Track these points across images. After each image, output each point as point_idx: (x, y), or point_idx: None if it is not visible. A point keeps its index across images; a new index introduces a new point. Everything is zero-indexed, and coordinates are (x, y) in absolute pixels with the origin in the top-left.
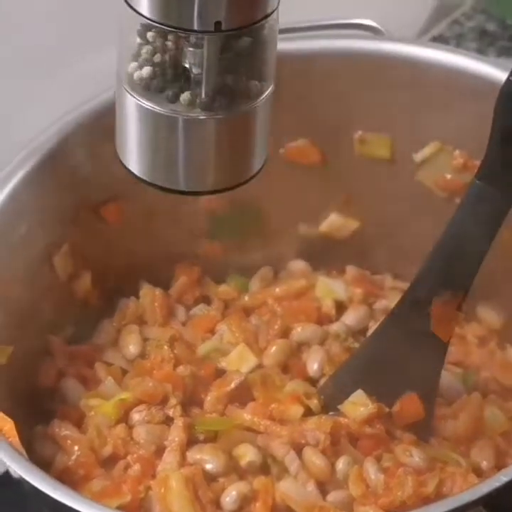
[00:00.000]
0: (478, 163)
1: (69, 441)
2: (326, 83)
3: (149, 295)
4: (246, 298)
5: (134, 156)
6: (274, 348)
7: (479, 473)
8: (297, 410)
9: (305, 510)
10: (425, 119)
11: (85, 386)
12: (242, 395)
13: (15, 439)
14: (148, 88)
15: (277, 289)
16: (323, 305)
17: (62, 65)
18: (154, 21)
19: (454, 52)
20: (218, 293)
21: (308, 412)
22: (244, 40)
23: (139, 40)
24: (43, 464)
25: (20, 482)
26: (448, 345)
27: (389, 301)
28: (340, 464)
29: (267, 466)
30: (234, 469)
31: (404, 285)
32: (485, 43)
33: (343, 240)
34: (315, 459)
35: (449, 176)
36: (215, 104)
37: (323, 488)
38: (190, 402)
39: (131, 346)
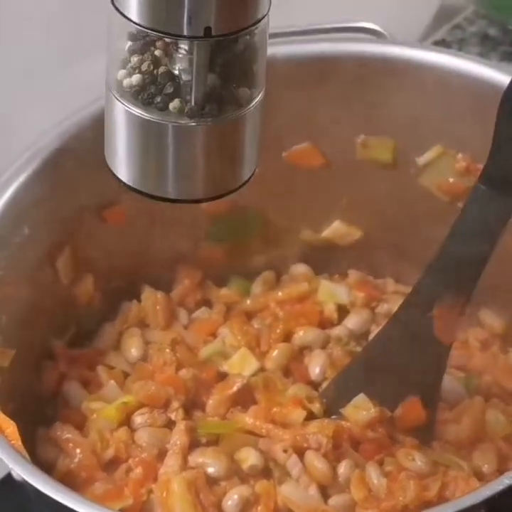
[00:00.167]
0: (480, 166)
1: (71, 445)
2: (328, 86)
3: (151, 298)
4: (248, 301)
5: (123, 164)
6: (276, 352)
7: (481, 477)
8: (299, 414)
9: None
10: (428, 123)
11: (87, 389)
12: (244, 399)
13: (17, 441)
14: (137, 95)
15: (279, 293)
16: (325, 309)
17: (64, 68)
18: (143, 27)
19: (456, 56)
20: (220, 296)
21: (311, 416)
22: (235, 47)
23: (127, 46)
24: (46, 467)
25: (23, 485)
26: (450, 349)
27: (391, 305)
28: (342, 467)
29: (268, 469)
30: (236, 473)
31: (407, 289)
32: (487, 48)
33: (346, 244)
34: (317, 463)
35: (451, 180)
36: (204, 111)
37: (325, 492)
38: (192, 405)
39: (133, 349)
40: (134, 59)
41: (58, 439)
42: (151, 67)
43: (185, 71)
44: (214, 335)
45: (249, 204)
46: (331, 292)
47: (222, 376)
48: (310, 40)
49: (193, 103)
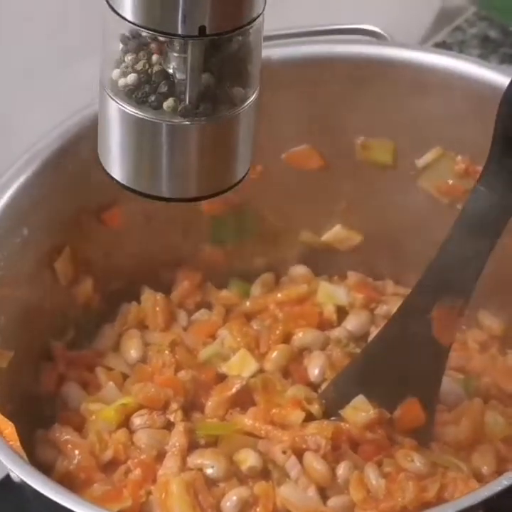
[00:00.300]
0: (480, 168)
1: (70, 446)
2: (328, 88)
3: (151, 300)
4: (247, 303)
5: (116, 163)
6: (275, 353)
7: (480, 479)
8: (298, 415)
9: None
10: (427, 125)
11: (86, 391)
12: (243, 400)
13: (16, 442)
14: (131, 94)
15: (279, 295)
16: (324, 310)
17: (64, 68)
18: (138, 25)
19: (456, 58)
20: (220, 298)
21: (310, 417)
22: (229, 46)
23: (122, 45)
24: (44, 468)
25: (21, 486)
26: (449, 350)
27: (390, 306)
28: (341, 469)
29: (267, 471)
30: (235, 474)
31: (406, 291)
32: (487, 50)
33: (345, 249)
34: (316, 464)
35: (451, 182)
36: (198, 110)
37: (323, 493)
38: (191, 406)
39: (133, 351)
40: (129, 58)
41: (57, 441)
42: (146, 66)
43: (180, 70)
44: (213, 336)
45: (248, 206)
46: (330, 294)
47: (222, 378)
48: (310, 42)
49: (187, 102)
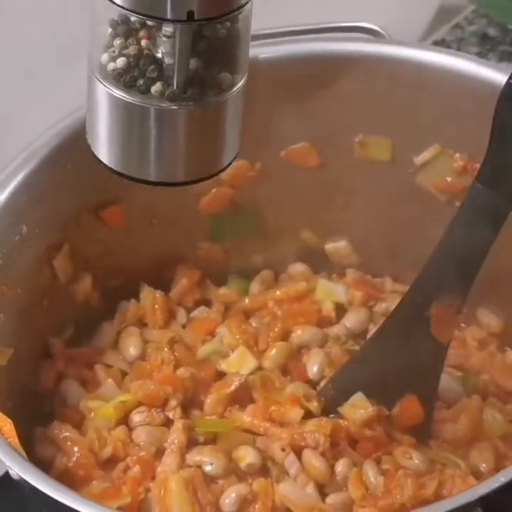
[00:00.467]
0: (478, 166)
1: (69, 443)
2: (326, 86)
3: (150, 297)
4: (246, 300)
5: (104, 146)
6: (274, 351)
7: (478, 476)
8: (297, 413)
9: None
10: (426, 122)
11: (85, 388)
12: (241, 397)
13: (14, 439)
14: (119, 78)
15: (278, 292)
16: (323, 308)
17: (64, 68)
18: (127, 9)
19: (454, 56)
20: (219, 295)
21: (308, 415)
22: (217, 31)
23: (111, 30)
24: (43, 465)
25: (20, 483)
26: (448, 348)
27: (389, 304)
28: (340, 466)
29: (266, 468)
30: (233, 471)
31: (405, 288)
32: (486, 48)
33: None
34: (314, 462)
35: (449, 179)
36: (186, 95)
37: (322, 490)
38: (190, 404)
39: (132, 348)
40: (117, 42)
41: (56, 438)
42: (134, 51)
43: (168, 55)
44: (212, 334)
45: (247, 204)
46: (329, 291)
47: (221, 375)
48: (309, 40)
49: (175, 86)
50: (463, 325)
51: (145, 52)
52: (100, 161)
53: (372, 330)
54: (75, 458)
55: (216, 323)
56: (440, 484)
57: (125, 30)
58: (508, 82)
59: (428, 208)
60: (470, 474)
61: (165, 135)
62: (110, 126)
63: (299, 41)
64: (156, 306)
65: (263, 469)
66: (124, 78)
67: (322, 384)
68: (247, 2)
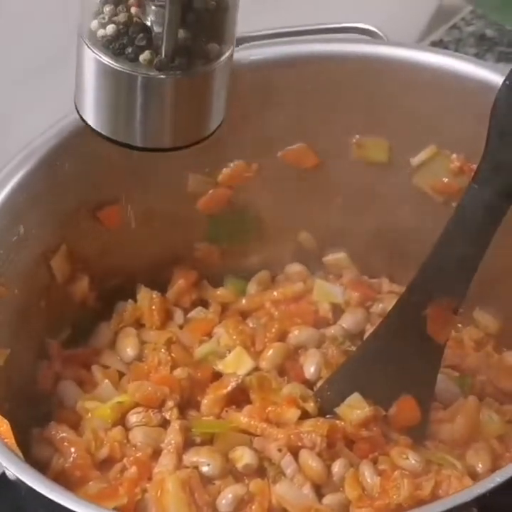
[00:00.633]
0: (475, 166)
1: (66, 444)
2: (323, 87)
3: (147, 298)
4: (243, 301)
5: (92, 111)
6: (271, 351)
7: (475, 477)
8: (294, 413)
9: None
10: (422, 123)
11: (82, 389)
12: (238, 398)
13: (11, 440)
14: (108, 45)
15: (274, 293)
16: (320, 308)
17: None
18: None
19: (451, 56)
20: (216, 296)
21: (305, 415)
22: (207, 3)
23: None
24: (40, 466)
25: (17, 484)
26: (444, 348)
27: (386, 304)
28: (337, 466)
29: (263, 468)
30: (230, 472)
31: (401, 289)
32: (484, 48)
33: (340, 245)
34: (311, 462)
35: (446, 180)
36: (174, 64)
37: (319, 490)
38: (187, 404)
39: (129, 349)
40: (107, 9)
41: (53, 439)
42: (124, 18)
43: (157, 23)
44: (209, 334)
45: (244, 204)
46: (326, 292)
47: (217, 376)
48: (306, 41)
49: (163, 55)
50: (460, 325)
51: (134, 19)
52: (87, 125)
53: (369, 330)
54: (71, 458)
55: (213, 323)
56: (436, 485)
57: None
58: (504, 83)
59: (425, 209)
60: (466, 475)
61: (152, 102)
62: (98, 92)
63: (296, 42)
64: (153, 307)
65: (260, 470)
66: (113, 45)
67: (319, 384)
68: None
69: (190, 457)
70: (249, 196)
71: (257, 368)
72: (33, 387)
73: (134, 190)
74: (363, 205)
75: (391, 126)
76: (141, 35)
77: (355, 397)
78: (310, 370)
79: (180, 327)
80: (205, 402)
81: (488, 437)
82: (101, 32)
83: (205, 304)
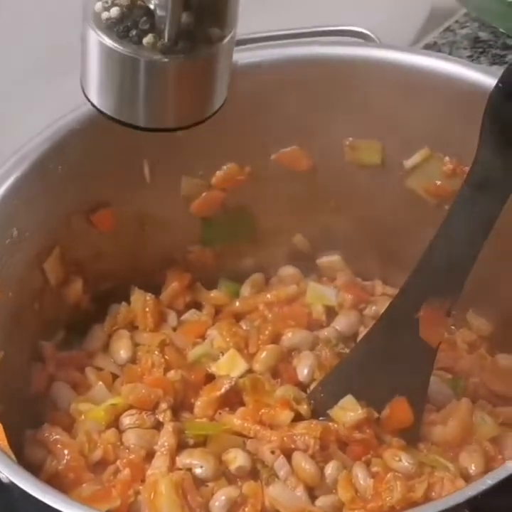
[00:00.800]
0: (467, 169)
1: (59, 446)
2: (316, 89)
3: (140, 300)
4: (237, 303)
5: (96, 92)
6: (264, 353)
7: (468, 478)
8: (287, 415)
9: None
10: (415, 126)
11: (76, 391)
12: (232, 400)
13: (4, 442)
14: (112, 28)
15: (268, 295)
16: (313, 311)
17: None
18: None
19: (444, 59)
20: (209, 298)
21: (298, 417)
22: None
23: None
24: (33, 468)
25: (10, 486)
26: (437, 350)
27: (379, 306)
28: (330, 468)
29: (256, 470)
30: (223, 474)
31: (395, 291)
32: (478, 51)
33: (334, 247)
34: (304, 464)
35: (438, 182)
36: (177, 48)
37: (312, 492)
38: (181, 406)
39: (122, 351)
40: None
41: (46, 441)
42: (127, 1)
43: (161, 7)
44: (203, 337)
45: (237, 207)
46: (320, 294)
47: (211, 378)
48: (299, 43)
49: (166, 39)
50: (453, 328)
51: (138, 2)
52: (93, 105)
53: (363, 333)
54: (65, 461)
55: (207, 326)
56: (429, 487)
57: None
58: (497, 86)
59: (418, 211)
60: (459, 477)
61: (155, 85)
62: (102, 74)
63: (290, 45)
64: (147, 309)
65: (253, 472)
66: (118, 28)
67: (312, 387)
68: None
69: (184, 459)
70: (243, 199)
71: (250, 370)
72: (26, 389)
73: (127, 193)
74: (357, 207)
75: (384, 128)
76: (144, 18)
77: (349, 400)
78: (303, 372)
79: (174, 329)
80: (199, 404)
81: (481, 439)
82: (105, 14)
83: (198, 306)
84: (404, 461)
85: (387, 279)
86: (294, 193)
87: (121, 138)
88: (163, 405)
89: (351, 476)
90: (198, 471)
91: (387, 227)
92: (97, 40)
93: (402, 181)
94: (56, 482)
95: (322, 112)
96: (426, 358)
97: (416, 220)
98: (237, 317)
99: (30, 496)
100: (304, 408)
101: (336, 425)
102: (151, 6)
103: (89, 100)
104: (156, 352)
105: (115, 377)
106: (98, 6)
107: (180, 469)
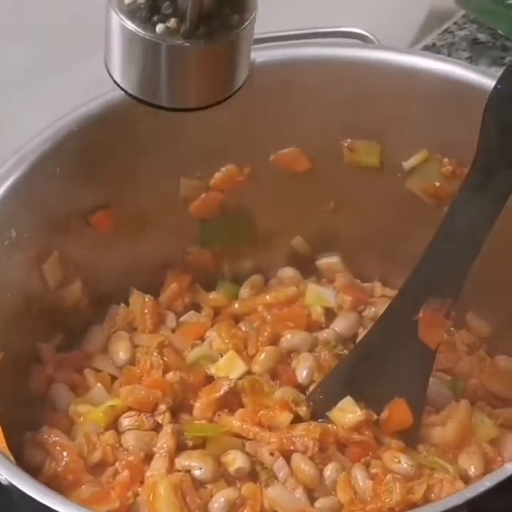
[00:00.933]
0: (466, 170)
1: (58, 448)
2: (315, 91)
3: (139, 302)
4: (236, 305)
5: (119, 71)
6: (263, 355)
7: (467, 480)
8: (286, 417)
9: None
10: (414, 127)
11: (75, 392)
12: (231, 402)
13: (2, 444)
14: (135, 12)
15: (267, 297)
16: (312, 312)
17: (62, 70)
18: None
19: (443, 61)
20: (208, 300)
21: (297, 419)
22: None
23: None
24: (32, 470)
25: (9, 488)
26: (436, 352)
27: (378, 308)
28: (329, 470)
29: (255, 472)
30: (222, 476)
31: (394, 293)
32: (476, 53)
33: (333, 249)
34: (303, 466)
35: (437, 184)
36: (198, 32)
37: (311, 494)
38: (180, 408)
39: (121, 353)
40: None
41: (45, 443)
42: None
43: None
44: (202, 338)
45: (236, 208)
46: (319, 296)
47: (210, 379)
48: (298, 45)
49: (187, 24)
50: (452, 329)
51: None
52: (118, 85)
53: (362, 334)
54: (64, 462)
55: (205, 327)
56: (428, 488)
57: None
58: (495, 87)
59: (417, 213)
60: (458, 479)
61: (177, 68)
62: (124, 56)
63: (289, 46)
64: (146, 311)
65: (252, 474)
66: (140, 13)
67: (311, 388)
68: None
69: (183, 461)
70: (242, 200)
71: (249, 372)
72: (25, 391)
73: (125, 194)
74: (356, 209)
75: (383, 130)
76: (167, 3)
77: (348, 401)
78: (302, 373)
79: (173, 331)
80: (198, 405)
81: (480, 441)
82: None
83: (197, 307)
84: (403, 463)
85: (387, 281)
86: (293, 195)
87: (120, 139)
88: (162, 407)
89: (350, 478)
90: (197, 472)
91: (386, 228)
92: (120, 24)
93: (401, 183)
94: (55, 484)
95: (321, 113)
96: (425, 360)
97: (415, 221)
98: (236, 318)
99: (29, 497)
100: (303, 410)
101: (335, 427)
102: None
103: (113, 79)
104: (154, 353)
105: (114, 378)
106: None
107: (179, 471)
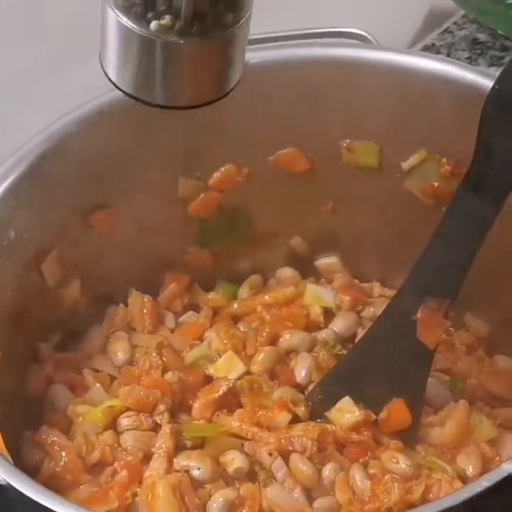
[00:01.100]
0: (465, 171)
1: (56, 448)
2: (314, 91)
3: (138, 302)
4: (235, 305)
5: (114, 68)
6: (262, 355)
7: (465, 480)
8: (285, 417)
9: None
10: (413, 128)
11: (73, 393)
12: (229, 402)
13: (0, 444)
14: (130, 8)
15: (266, 297)
16: (311, 312)
17: (62, 70)
18: None
19: (441, 61)
20: (207, 300)
21: (296, 419)
22: None
23: None
24: (31, 470)
25: (6, 488)
26: (434, 352)
27: (377, 308)
28: (327, 470)
29: (254, 472)
30: (221, 476)
31: (392, 293)
32: (476, 53)
33: (331, 249)
34: (302, 466)
35: (436, 184)
36: (193, 30)
37: (309, 494)
38: (178, 408)
39: (120, 353)
40: None
41: (44, 442)
42: None
43: None
44: (200, 338)
45: (235, 209)
46: (317, 296)
47: (208, 380)
48: (296, 45)
49: (182, 21)
50: (451, 329)
51: None
52: (113, 83)
53: (361, 334)
54: (62, 462)
55: (204, 327)
56: (427, 489)
57: None
58: (493, 87)
59: (415, 213)
60: (457, 479)
61: (171, 66)
62: (119, 52)
63: (287, 47)
64: (145, 311)
65: (250, 474)
66: (135, 9)
67: (310, 388)
68: None
69: (181, 461)
70: (241, 200)
71: (248, 372)
72: (24, 391)
73: (124, 195)
74: (354, 209)
75: (382, 130)
76: (162, 0)
77: (346, 401)
78: (301, 374)
79: (172, 331)
80: (196, 406)
81: (478, 441)
82: None
83: (196, 308)
84: (401, 463)
85: (385, 281)
86: (292, 195)
87: (118, 139)
88: (161, 407)
89: (349, 478)
90: (195, 472)
91: (385, 229)
92: (115, 19)
93: (399, 183)
94: (53, 484)
95: (320, 113)
96: (423, 360)
97: (413, 221)
98: (235, 319)
99: (27, 497)
100: (301, 410)
101: (333, 427)
102: None
103: (107, 77)
104: (153, 354)
105: (113, 378)
106: None
107: (178, 471)
